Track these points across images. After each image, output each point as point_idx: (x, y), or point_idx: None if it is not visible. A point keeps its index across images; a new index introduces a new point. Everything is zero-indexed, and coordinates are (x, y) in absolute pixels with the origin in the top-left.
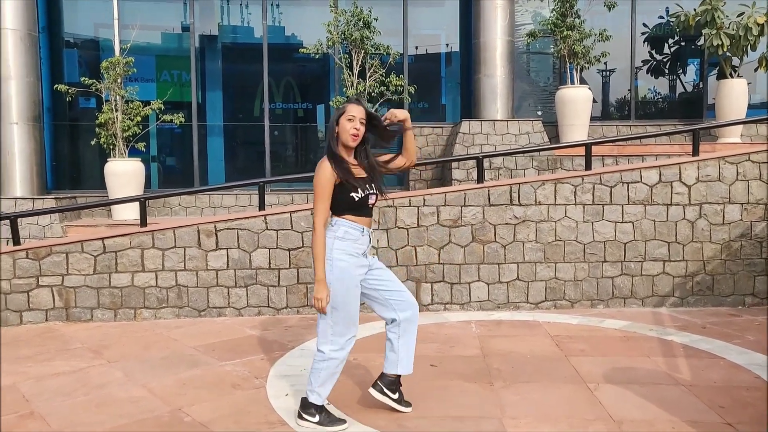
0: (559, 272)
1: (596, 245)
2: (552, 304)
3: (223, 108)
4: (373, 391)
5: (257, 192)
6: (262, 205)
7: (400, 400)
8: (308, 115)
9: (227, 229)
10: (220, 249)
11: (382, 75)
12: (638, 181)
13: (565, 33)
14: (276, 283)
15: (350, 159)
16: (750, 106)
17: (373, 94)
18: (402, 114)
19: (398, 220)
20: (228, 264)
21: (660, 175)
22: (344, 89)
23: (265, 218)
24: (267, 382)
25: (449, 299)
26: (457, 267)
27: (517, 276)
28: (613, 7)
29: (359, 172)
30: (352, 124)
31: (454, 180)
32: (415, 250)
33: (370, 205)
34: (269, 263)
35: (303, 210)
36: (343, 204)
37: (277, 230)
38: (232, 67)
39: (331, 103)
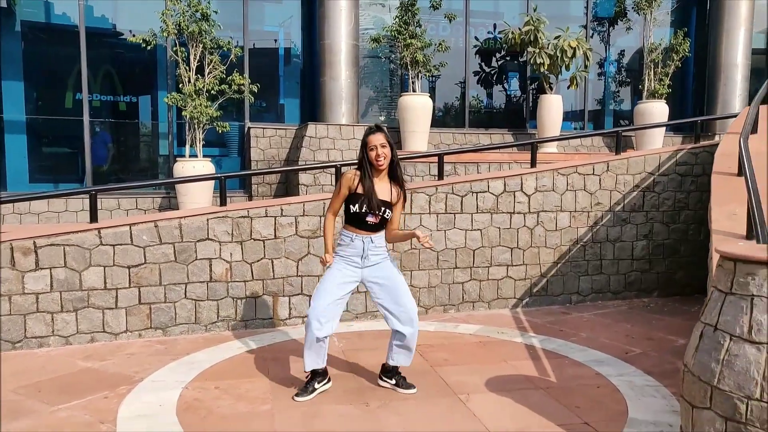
0: (415, 279)
1: (448, 252)
2: None
3: (25, 98)
4: (379, 381)
5: (78, 196)
6: (94, 217)
7: (400, 383)
8: (132, 110)
9: (50, 245)
10: (42, 269)
11: (222, 72)
12: (486, 191)
13: (408, 41)
14: (113, 305)
15: (379, 179)
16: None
17: (212, 91)
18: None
19: (253, 232)
20: (52, 286)
21: (505, 185)
22: (180, 85)
23: (99, 232)
24: (117, 428)
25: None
26: (316, 279)
27: None
28: (454, 19)
29: (380, 192)
30: (373, 153)
31: (300, 185)
32: (272, 262)
33: (370, 223)
34: (104, 283)
35: (144, 222)
36: (346, 213)
37: (113, 245)
38: (39, 52)
39: (165, 99)
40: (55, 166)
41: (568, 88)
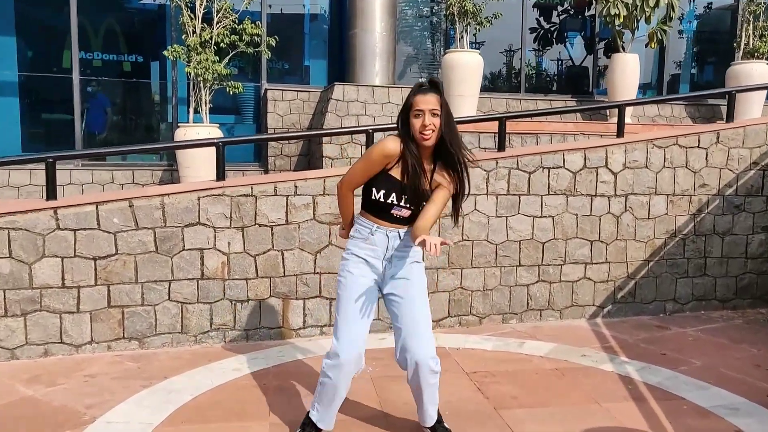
0: (466, 280)
1: (510, 245)
2: (457, 321)
3: (18, 56)
4: None
5: (65, 166)
6: (52, 193)
7: None
8: (138, 70)
9: None
10: None
11: (234, 21)
12: (561, 166)
13: None
14: (74, 307)
15: (423, 158)
16: None
17: (222, 44)
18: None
19: (258, 215)
20: None
21: (585, 159)
22: (184, 36)
23: (56, 212)
24: None
25: (327, 320)
26: None
27: None
28: None
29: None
30: (419, 120)
31: (324, 157)
32: (282, 255)
33: (396, 216)
34: (62, 279)
35: (115, 201)
36: (365, 197)
37: (75, 230)
38: (33, 3)
39: (165, 53)
40: (49, 133)
41: (647, 46)
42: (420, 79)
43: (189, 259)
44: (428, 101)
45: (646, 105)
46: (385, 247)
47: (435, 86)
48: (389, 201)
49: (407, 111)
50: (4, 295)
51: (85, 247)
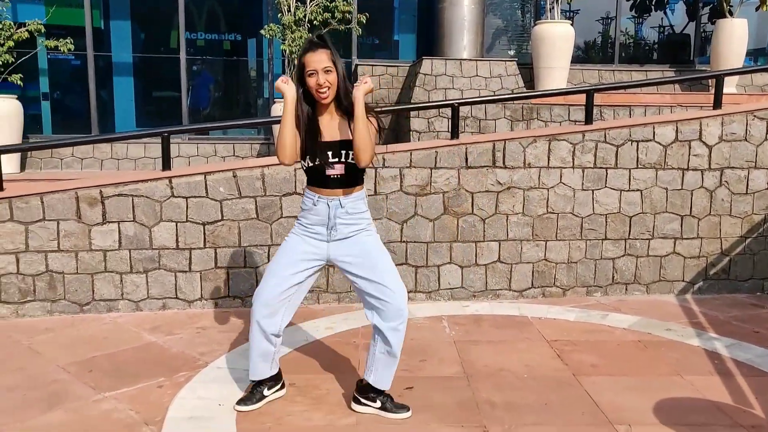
0: (550, 252)
1: (596, 219)
2: (540, 292)
3: (132, 37)
4: (354, 405)
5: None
6: (167, 164)
7: (387, 406)
8: (237, 48)
9: (118, 195)
10: (109, 222)
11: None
12: (650, 139)
13: None
14: (186, 267)
15: (328, 113)
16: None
17: (315, 21)
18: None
19: None
20: (120, 242)
21: (677, 131)
22: (279, 15)
23: (171, 181)
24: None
25: (413, 286)
26: (424, 246)
27: (499, 257)
28: None
29: (329, 134)
30: (313, 80)
31: (412, 131)
32: None
33: (333, 177)
34: (177, 241)
35: (221, 171)
36: (305, 172)
37: (186, 198)
38: None
39: (262, 31)
40: (159, 109)
41: (757, 9)
42: (508, 52)
43: (287, 226)
44: (320, 60)
45: (755, 74)
46: (326, 215)
47: (322, 42)
48: (316, 162)
49: (301, 71)
50: (130, 255)
51: (195, 213)
